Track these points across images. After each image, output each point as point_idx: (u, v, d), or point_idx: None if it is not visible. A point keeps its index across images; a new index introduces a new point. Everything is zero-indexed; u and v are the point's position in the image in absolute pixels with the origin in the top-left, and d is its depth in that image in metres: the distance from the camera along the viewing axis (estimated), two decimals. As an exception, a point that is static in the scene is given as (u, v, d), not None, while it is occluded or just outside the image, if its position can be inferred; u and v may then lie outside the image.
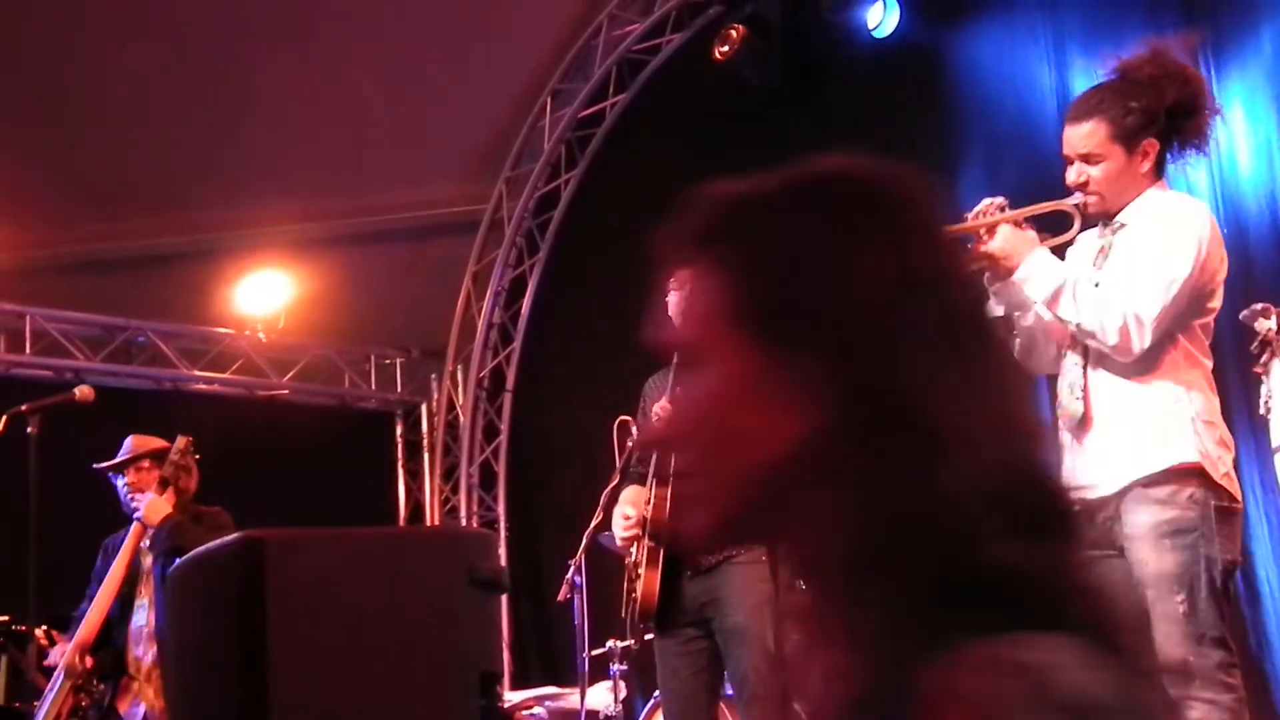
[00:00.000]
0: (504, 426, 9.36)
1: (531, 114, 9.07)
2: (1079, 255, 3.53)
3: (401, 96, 8.50)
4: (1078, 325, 3.29)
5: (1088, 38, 6.45)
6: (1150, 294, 3.22)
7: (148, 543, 5.07)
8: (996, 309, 3.49)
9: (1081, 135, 3.37)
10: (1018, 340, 3.52)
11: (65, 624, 5.18)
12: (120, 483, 5.23)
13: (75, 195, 8.11)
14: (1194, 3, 6.13)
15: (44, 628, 5.13)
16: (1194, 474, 3.20)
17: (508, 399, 9.34)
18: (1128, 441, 3.26)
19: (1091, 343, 3.31)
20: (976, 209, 3.43)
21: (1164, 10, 6.21)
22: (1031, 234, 3.38)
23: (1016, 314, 3.49)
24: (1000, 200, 3.44)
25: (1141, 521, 3.20)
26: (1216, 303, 3.37)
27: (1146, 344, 3.21)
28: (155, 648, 5.01)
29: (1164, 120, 3.33)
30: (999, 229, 3.36)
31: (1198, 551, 3.15)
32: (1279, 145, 5.72)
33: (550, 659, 8.45)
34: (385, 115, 8.54)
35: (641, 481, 4.28)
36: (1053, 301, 3.31)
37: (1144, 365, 3.28)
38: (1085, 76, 6.39)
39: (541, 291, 9.26)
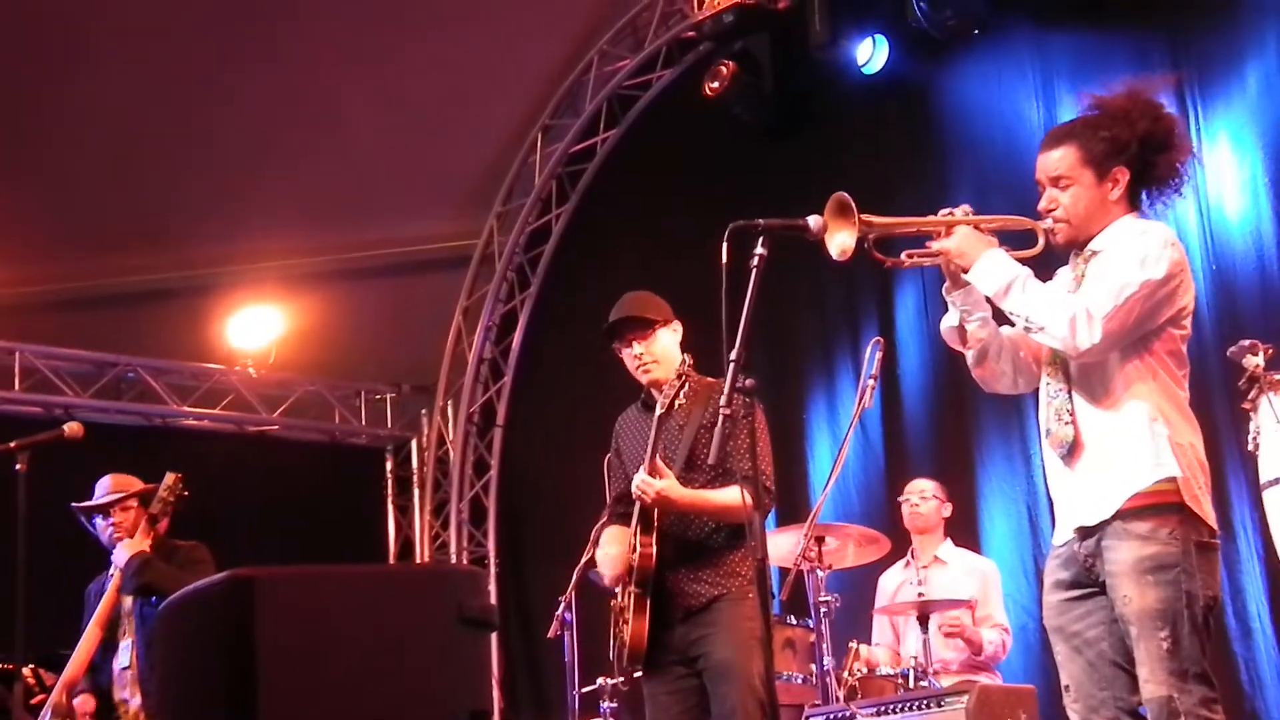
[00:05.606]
0: (494, 462, 9.34)
1: (522, 149, 9.11)
2: (1055, 288, 3.54)
3: (393, 132, 8.52)
4: (1027, 318, 3.31)
5: (1075, 75, 6.48)
6: (1102, 293, 3.25)
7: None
8: (952, 317, 3.51)
9: (1053, 160, 3.44)
10: (970, 352, 3.54)
11: (53, 663, 5.13)
12: (102, 523, 5.16)
13: (65, 232, 8.11)
14: (1179, 41, 6.18)
15: (31, 666, 5.09)
16: (1173, 508, 3.20)
17: (498, 434, 9.33)
18: (1111, 466, 3.27)
19: (1041, 338, 3.32)
20: (940, 212, 3.46)
21: (1150, 48, 6.25)
22: (990, 238, 3.40)
23: (969, 324, 3.49)
24: (965, 207, 3.48)
25: (1123, 558, 3.21)
26: (1186, 326, 3.37)
27: (1096, 339, 3.21)
28: (140, 692, 4.96)
29: (1136, 150, 3.39)
30: (957, 229, 3.40)
31: (1180, 587, 3.15)
32: (1264, 182, 5.75)
33: (540, 696, 8.41)
34: (377, 151, 8.56)
35: (624, 522, 4.27)
36: (1003, 295, 3.33)
37: (1116, 386, 3.30)
38: (1073, 113, 6.42)
39: (532, 326, 9.27)
